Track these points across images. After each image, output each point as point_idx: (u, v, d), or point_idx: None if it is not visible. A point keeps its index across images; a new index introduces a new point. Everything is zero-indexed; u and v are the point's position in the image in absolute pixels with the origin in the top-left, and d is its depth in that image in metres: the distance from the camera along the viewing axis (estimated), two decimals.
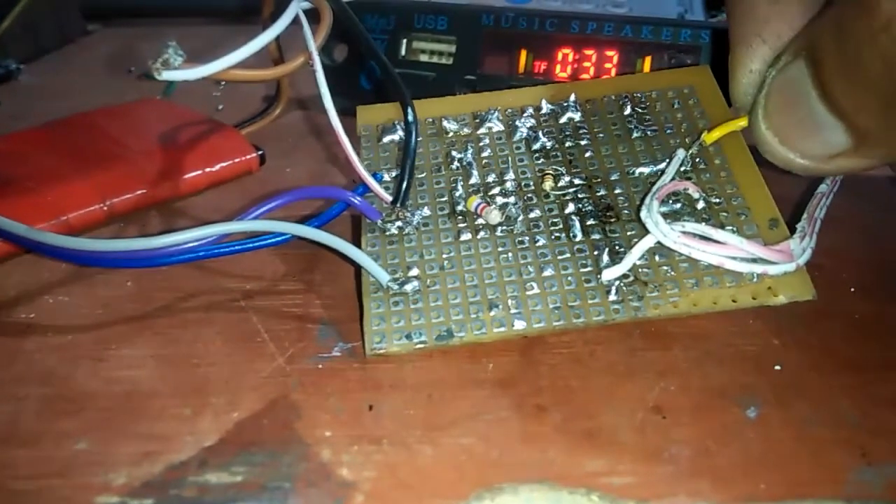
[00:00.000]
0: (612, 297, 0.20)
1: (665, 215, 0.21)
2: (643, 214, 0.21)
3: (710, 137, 0.22)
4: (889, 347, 0.20)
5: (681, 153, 0.22)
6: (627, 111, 0.24)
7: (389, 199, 0.22)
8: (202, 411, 0.19)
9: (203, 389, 0.19)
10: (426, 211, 0.23)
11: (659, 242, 0.20)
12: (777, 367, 0.19)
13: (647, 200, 0.21)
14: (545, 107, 0.25)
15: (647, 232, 0.21)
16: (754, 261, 0.20)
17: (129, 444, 0.18)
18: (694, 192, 0.22)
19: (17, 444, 0.18)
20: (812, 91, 0.18)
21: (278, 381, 0.20)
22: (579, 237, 0.22)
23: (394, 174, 0.23)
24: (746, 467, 0.17)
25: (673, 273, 0.21)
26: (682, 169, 0.22)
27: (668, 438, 0.18)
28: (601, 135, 0.24)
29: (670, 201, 0.22)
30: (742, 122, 0.22)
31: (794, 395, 0.19)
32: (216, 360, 0.20)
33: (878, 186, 0.26)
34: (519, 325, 0.20)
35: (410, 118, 0.23)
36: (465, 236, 0.22)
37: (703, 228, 0.20)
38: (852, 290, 0.22)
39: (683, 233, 0.20)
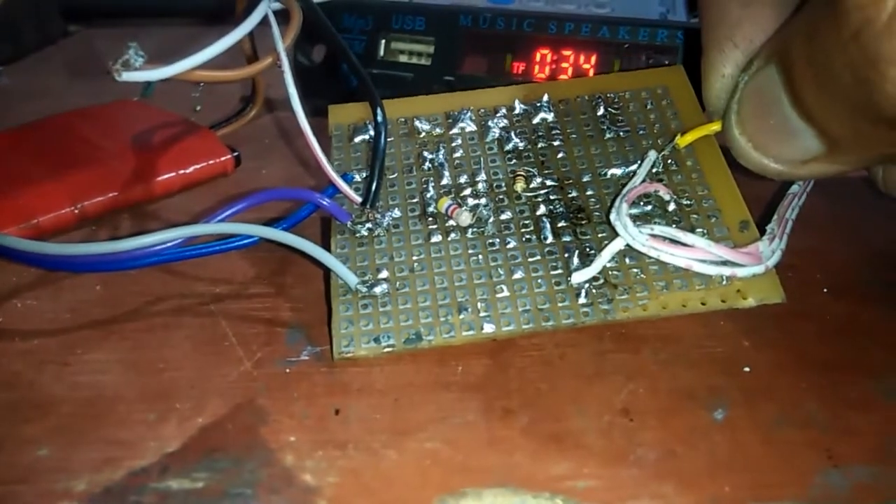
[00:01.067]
0: (582, 300, 0.20)
1: (636, 217, 0.21)
2: (612, 217, 0.21)
3: (683, 141, 0.22)
4: (860, 349, 0.20)
5: (652, 154, 0.22)
6: (600, 112, 0.24)
7: (359, 200, 0.22)
8: (167, 417, 0.19)
9: (168, 394, 0.19)
10: (397, 212, 0.22)
11: (628, 245, 0.20)
12: (746, 369, 0.19)
13: (616, 203, 0.21)
14: (518, 107, 0.25)
15: (617, 234, 0.20)
16: (723, 263, 0.20)
17: (91, 449, 0.18)
18: (665, 193, 0.21)
19: None
20: (784, 97, 0.18)
21: (245, 386, 0.19)
22: (550, 239, 0.21)
23: (365, 175, 0.23)
24: (712, 470, 0.17)
25: (642, 276, 0.20)
26: (654, 170, 0.22)
27: (634, 441, 0.18)
28: (574, 135, 0.24)
29: (641, 203, 0.22)
30: (715, 127, 0.21)
31: (763, 397, 0.19)
32: (183, 365, 0.20)
33: (853, 187, 0.26)
34: (488, 328, 0.20)
35: (380, 119, 0.22)
36: (436, 238, 0.22)
37: (671, 231, 0.20)
38: (825, 290, 0.22)
39: (652, 235, 0.20)
